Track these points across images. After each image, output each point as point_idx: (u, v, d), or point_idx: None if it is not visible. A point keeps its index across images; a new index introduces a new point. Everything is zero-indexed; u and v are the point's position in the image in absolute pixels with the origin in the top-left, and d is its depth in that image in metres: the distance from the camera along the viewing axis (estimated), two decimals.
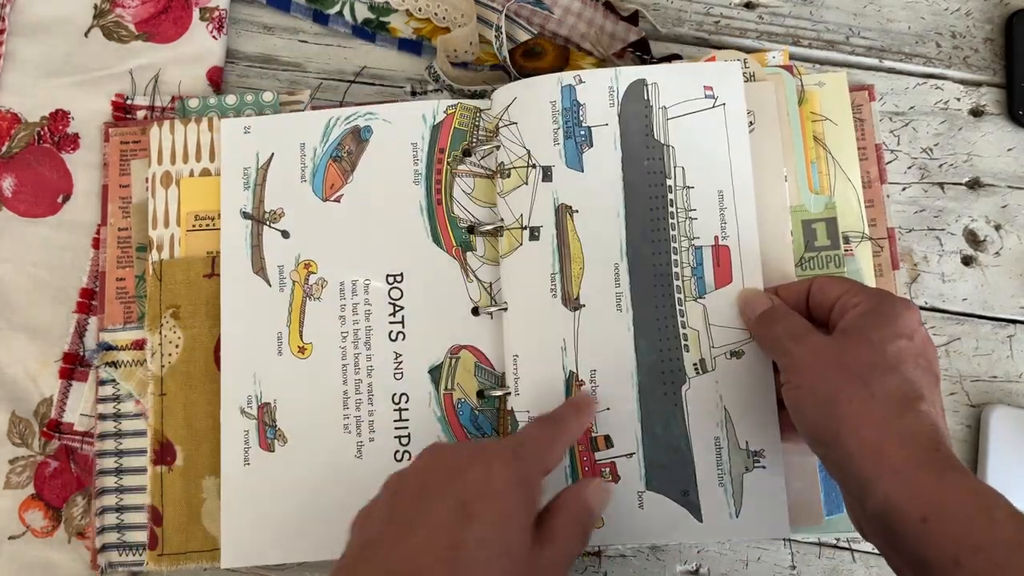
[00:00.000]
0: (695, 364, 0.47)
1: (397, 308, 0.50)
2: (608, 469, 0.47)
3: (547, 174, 0.49)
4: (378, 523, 0.37)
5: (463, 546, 0.34)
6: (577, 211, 0.49)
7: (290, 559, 0.48)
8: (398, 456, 0.49)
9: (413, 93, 0.56)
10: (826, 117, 0.51)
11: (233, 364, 0.50)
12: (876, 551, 0.50)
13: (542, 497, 0.39)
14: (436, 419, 0.49)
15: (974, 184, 0.55)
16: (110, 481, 0.50)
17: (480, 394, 0.49)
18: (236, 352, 0.50)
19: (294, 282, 0.51)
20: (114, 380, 0.51)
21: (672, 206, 0.48)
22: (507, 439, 0.41)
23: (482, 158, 0.51)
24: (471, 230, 0.51)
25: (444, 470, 0.38)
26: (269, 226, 0.51)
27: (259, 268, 0.51)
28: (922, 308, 0.53)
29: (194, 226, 0.52)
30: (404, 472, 0.39)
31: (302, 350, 0.50)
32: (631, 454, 0.47)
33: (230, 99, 0.54)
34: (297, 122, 0.53)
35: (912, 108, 0.56)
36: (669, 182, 0.49)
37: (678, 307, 0.48)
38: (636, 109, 0.49)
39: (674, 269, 0.48)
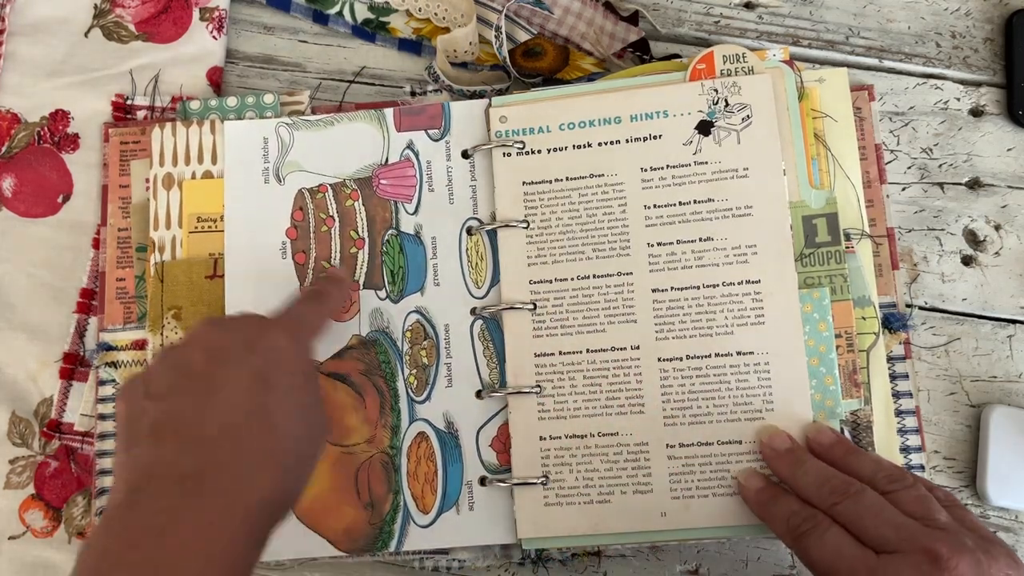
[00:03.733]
0: None
1: None
2: None
3: None
4: (166, 394, 0.37)
5: (267, 408, 0.36)
6: None
7: (289, 556, 0.49)
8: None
9: (413, 93, 0.56)
10: (826, 114, 0.51)
11: None
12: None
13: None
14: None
15: (974, 184, 0.55)
16: (110, 481, 0.50)
17: None
18: None
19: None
20: (114, 380, 0.51)
21: None
22: (282, 314, 0.43)
23: None
24: None
25: (234, 342, 0.38)
26: None
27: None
28: (922, 308, 0.53)
29: (196, 228, 0.52)
30: (181, 346, 0.39)
31: None
32: None
33: (231, 101, 0.54)
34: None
35: (912, 108, 0.56)
36: None
37: None
38: None
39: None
